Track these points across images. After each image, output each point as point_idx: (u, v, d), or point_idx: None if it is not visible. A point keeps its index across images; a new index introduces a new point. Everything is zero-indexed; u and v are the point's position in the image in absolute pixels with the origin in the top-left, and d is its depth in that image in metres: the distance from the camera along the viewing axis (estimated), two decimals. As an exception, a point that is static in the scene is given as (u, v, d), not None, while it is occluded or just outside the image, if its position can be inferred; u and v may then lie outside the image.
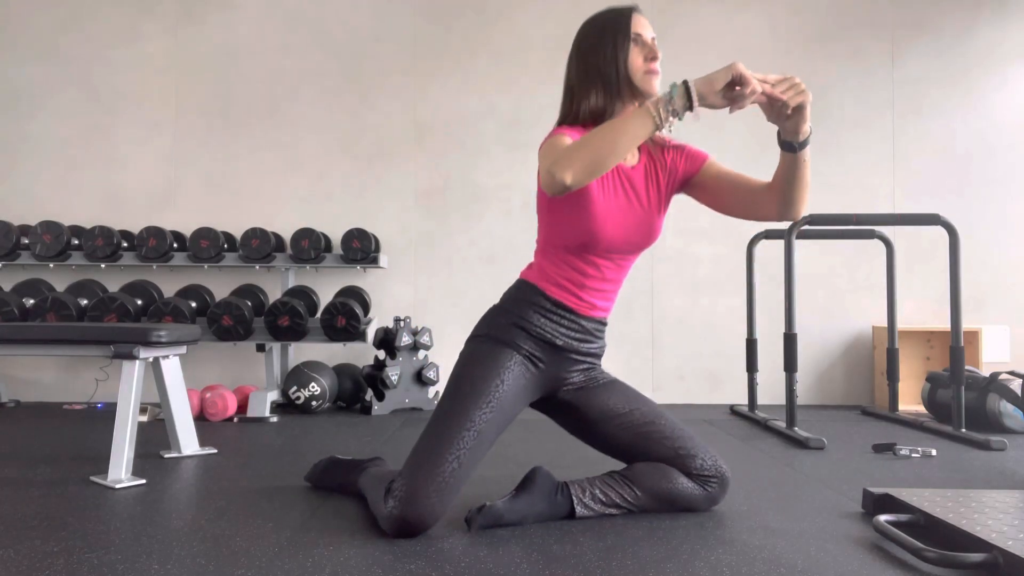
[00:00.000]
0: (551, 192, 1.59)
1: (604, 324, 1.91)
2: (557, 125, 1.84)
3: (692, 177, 1.87)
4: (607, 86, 1.77)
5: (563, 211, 1.78)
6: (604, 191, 1.77)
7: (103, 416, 3.54)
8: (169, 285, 4.13)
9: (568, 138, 1.69)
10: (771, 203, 1.75)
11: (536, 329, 1.81)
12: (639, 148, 1.84)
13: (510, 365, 1.77)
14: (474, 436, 1.68)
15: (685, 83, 1.56)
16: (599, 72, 1.78)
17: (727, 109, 1.61)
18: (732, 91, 1.58)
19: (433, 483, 1.61)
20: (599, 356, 1.95)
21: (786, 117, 1.62)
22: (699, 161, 1.86)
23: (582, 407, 1.90)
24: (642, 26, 1.79)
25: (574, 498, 1.77)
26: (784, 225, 3.91)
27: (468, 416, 1.69)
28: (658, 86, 1.78)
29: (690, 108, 1.56)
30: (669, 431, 1.86)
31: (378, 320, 4.13)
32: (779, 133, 1.68)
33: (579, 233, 1.78)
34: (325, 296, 4.14)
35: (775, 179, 1.74)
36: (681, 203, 4.24)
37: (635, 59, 1.77)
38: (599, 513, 1.80)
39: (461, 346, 1.90)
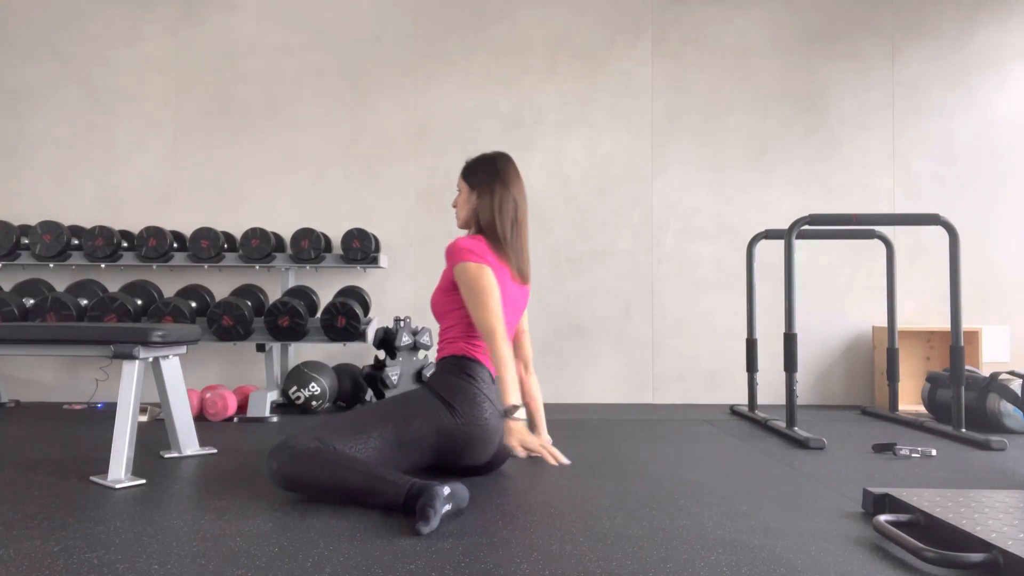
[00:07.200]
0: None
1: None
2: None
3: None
4: None
5: None
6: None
7: (103, 416, 3.54)
8: (169, 285, 4.13)
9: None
10: None
11: None
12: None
13: None
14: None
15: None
16: None
17: None
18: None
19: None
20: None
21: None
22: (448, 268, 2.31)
23: None
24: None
25: None
26: (784, 225, 3.91)
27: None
28: (455, 220, 2.41)
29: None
30: None
31: (378, 320, 4.13)
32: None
33: None
34: (325, 296, 4.14)
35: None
36: (679, 203, 4.26)
37: None
38: None
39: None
